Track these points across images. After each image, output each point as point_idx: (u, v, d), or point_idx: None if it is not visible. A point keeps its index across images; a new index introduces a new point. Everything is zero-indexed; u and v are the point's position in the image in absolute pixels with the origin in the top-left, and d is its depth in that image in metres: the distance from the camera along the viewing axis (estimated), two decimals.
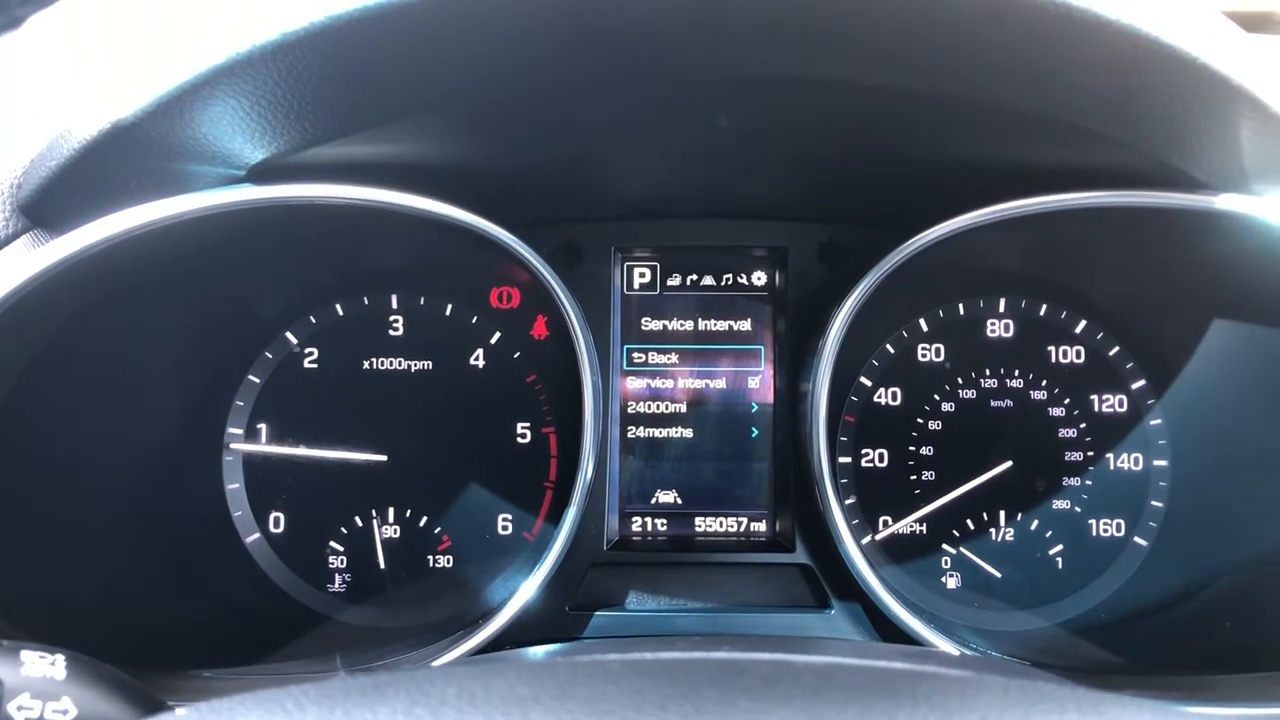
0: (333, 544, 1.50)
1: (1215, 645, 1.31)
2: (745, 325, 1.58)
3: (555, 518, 1.45)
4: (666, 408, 1.56)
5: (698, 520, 1.56)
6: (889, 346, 1.54)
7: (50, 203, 0.99)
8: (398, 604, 1.49)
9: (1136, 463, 1.51)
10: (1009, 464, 1.50)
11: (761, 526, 1.55)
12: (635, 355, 1.57)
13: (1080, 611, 1.48)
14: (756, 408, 1.57)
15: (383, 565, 1.49)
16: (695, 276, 1.58)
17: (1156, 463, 1.51)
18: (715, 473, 1.56)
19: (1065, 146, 1.11)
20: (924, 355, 1.54)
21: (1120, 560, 1.50)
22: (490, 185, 1.33)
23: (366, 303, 1.53)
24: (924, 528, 1.52)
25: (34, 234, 1.01)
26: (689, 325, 1.58)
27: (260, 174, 1.10)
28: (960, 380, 1.53)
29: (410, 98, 1.00)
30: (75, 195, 0.99)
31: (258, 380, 1.51)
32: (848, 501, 1.51)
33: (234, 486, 1.50)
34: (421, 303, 1.53)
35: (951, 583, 1.52)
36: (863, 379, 1.54)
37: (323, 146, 1.04)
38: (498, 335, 1.53)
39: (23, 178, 0.99)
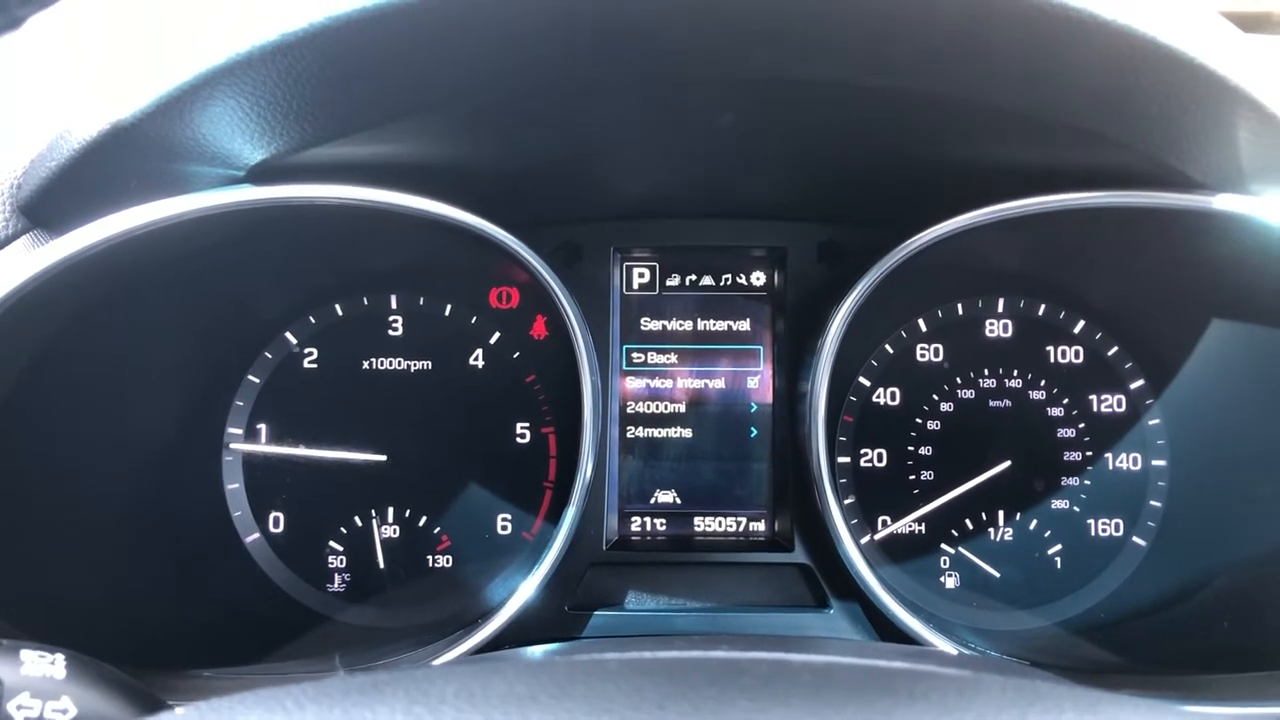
0: (332, 544, 1.50)
1: (1213, 645, 1.31)
2: (744, 325, 1.58)
3: (554, 517, 1.45)
4: (666, 408, 1.57)
5: (697, 520, 1.56)
6: (888, 346, 1.54)
7: (50, 203, 1.00)
8: (397, 604, 1.49)
9: (1135, 462, 1.52)
10: (1008, 464, 1.51)
11: (760, 526, 1.55)
12: (634, 355, 1.57)
13: (1079, 611, 1.48)
14: (755, 408, 1.57)
15: (382, 565, 1.49)
16: (694, 276, 1.58)
17: (1155, 462, 1.51)
18: (714, 472, 1.57)
19: (1063, 147, 1.11)
20: (923, 355, 1.54)
21: (1119, 560, 1.50)
22: (489, 185, 1.33)
23: (366, 303, 1.53)
24: (923, 527, 1.52)
25: (34, 234, 1.02)
26: (688, 325, 1.58)
27: (260, 174, 1.10)
28: (959, 380, 1.53)
29: (410, 98, 1.00)
30: (75, 196, 1.00)
31: (257, 380, 1.51)
32: (846, 501, 1.52)
33: (234, 486, 1.50)
34: (421, 303, 1.53)
35: (950, 582, 1.52)
36: (862, 379, 1.54)
37: (322, 147, 1.04)
38: (497, 335, 1.53)
39: (23, 178, 0.99)
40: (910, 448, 1.53)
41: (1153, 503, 1.50)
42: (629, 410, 1.56)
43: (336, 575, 1.50)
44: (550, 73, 0.99)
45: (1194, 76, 0.87)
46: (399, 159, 1.19)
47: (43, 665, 0.72)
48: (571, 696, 0.54)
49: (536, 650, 1.16)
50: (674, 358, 1.57)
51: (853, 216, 1.52)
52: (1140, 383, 1.52)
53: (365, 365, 1.52)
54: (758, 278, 1.58)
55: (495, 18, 0.86)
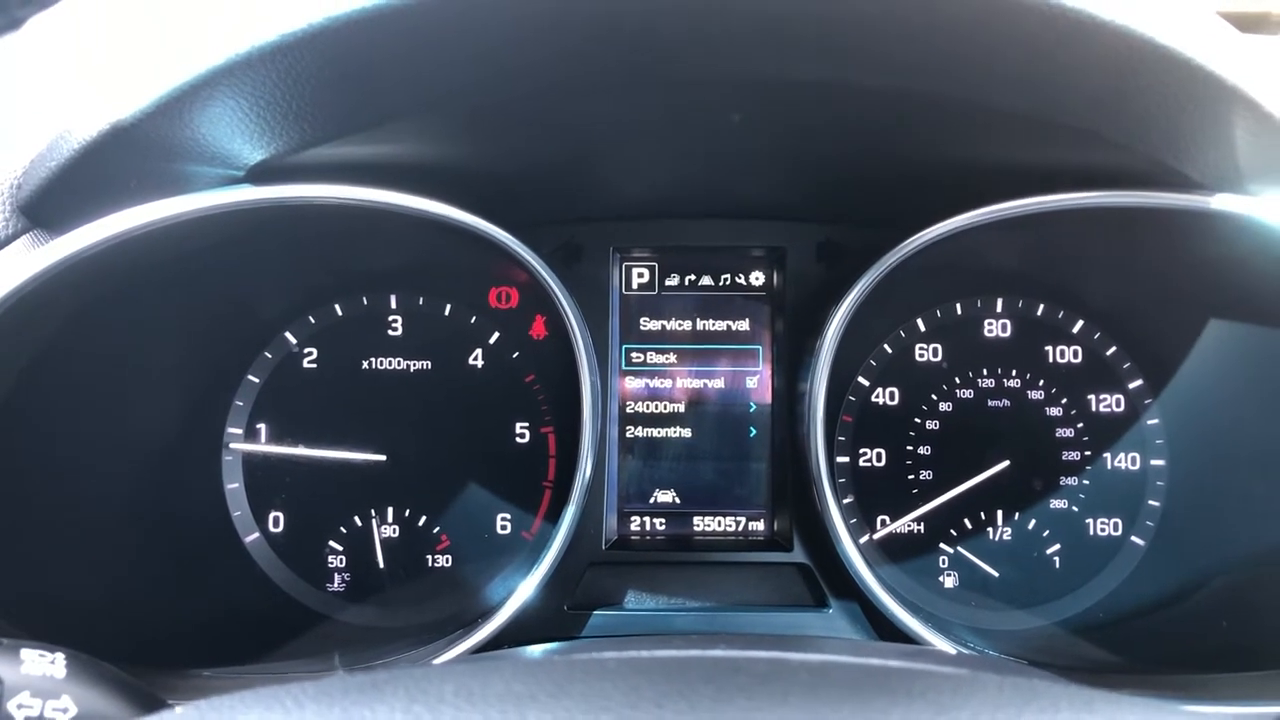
0: (332, 543, 1.50)
1: (1211, 644, 1.31)
2: (743, 325, 1.58)
3: (554, 517, 1.45)
4: (665, 407, 1.57)
5: (696, 520, 1.56)
6: (887, 346, 1.54)
7: (50, 203, 1.00)
8: (397, 603, 1.49)
9: (1134, 462, 1.52)
10: (1006, 463, 1.51)
11: (760, 526, 1.56)
12: (634, 355, 1.57)
13: (1077, 611, 1.49)
14: (755, 407, 1.57)
15: (382, 565, 1.49)
16: (694, 276, 1.58)
17: (1153, 462, 1.51)
18: (713, 472, 1.57)
19: (1061, 147, 1.12)
20: (922, 355, 1.54)
21: (1117, 560, 1.50)
22: (489, 186, 1.33)
23: (365, 303, 1.53)
24: (921, 527, 1.52)
25: (34, 234, 1.02)
26: (687, 325, 1.58)
27: (259, 174, 1.11)
28: (958, 380, 1.54)
29: (409, 99, 1.00)
30: (75, 196, 1.00)
31: (257, 380, 1.51)
32: (845, 501, 1.52)
33: (233, 486, 1.50)
34: (420, 303, 1.53)
35: (949, 582, 1.52)
36: (860, 379, 1.54)
37: (322, 147, 1.04)
38: (496, 335, 1.53)
39: (23, 178, 0.99)
40: (909, 447, 1.53)
41: (1151, 502, 1.50)
42: (628, 410, 1.56)
43: (336, 575, 1.51)
44: (549, 73, 0.99)
45: (1192, 77, 0.87)
46: (398, 159, 1.19)
47: (43, 664, 0.72)
48: (570, 695, 0.54)
49: (535, 649, 1.16)
50: (673, 357, 1.57)
51: (852, 216, 1.53)
52: (1139, 382, 1.52)
53: (365, 365, 1.52)
54: (757, 278, 1.58)
55: (494, 19, 0.86)
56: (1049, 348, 1.54)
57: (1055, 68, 0.91)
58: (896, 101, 1.05)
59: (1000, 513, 1.52)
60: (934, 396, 1.53)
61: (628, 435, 1.56)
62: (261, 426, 1.51)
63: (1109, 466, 1.52)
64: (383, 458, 1.51)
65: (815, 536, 1.46)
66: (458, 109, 1.06)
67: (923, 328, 1.55)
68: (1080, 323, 1.54)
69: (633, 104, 1.11)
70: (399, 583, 1.50)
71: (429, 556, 1.51)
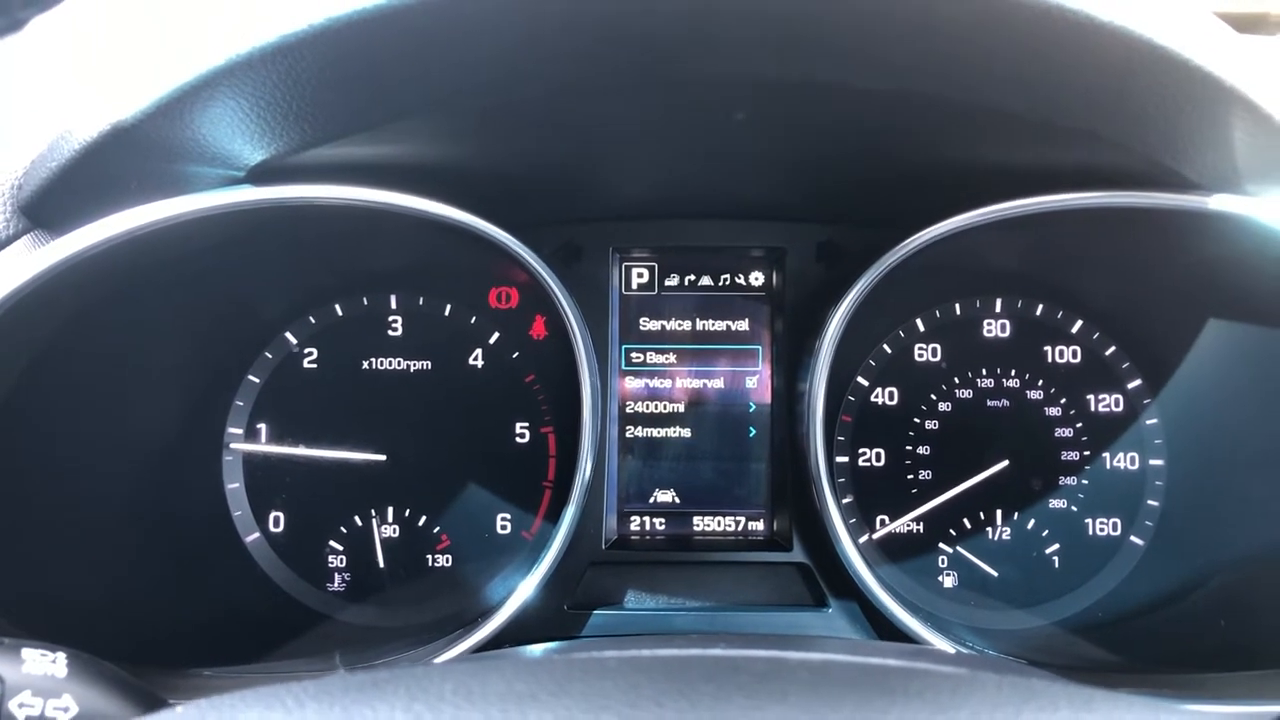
0: (332, 543, 1.51)
1: (1210, 644, 1.31)
2: (743, 325, 1.58)
3: (554, 517, 1.45)
4: (665, 407, 1.57)
5: (696, 519, 1.56)
6: (886, 346, 1.55)
7: (51, 203, 1.00)
8: (397, 603, 1.49)
9: (1132, 462, 1.52)
10: (1005, 463, 1.51)
11: (759, 525, 1.56)
12: (633, 355, 1.57)
13: (1076, 610, 1.49)
14: (754, 407, 1.57)
15: (382, 564, 1.49)
16: (693, 277, 1.59)
17: (1152, 462, 1.52)
18: (713, 472, 1.57)
19: (1060, 147, 1.12)
20: (921, 355, 1.55)
21: (1116, 559, 1.50)
22: (489, 186, 1.33)
23: (366, 303, 1.53)
24: (921, 527, 1.53)
25: (35, 235, 1.02)
26: (687, 325, 1.58)
27: (260, 175, 1.11)
28: (957, 380, 1.54)
29: (409, 100, 1.00)
30: (76, 196, 1.00)
31: (257, 380, 1.51)
32: (845, 501, 1.52)
33: (234, 486, 1.50)
34: (420, 303, 1.54)
35: (948, 581, 1.52)
36: (860, 379, 1.54)
37: (322, 148, 1.04)
38: (496, 335, 1.53)
39: (23, 178, 0.99)
40: (908, 447, 1.53)
41: (1150, 502, 1.51)
42: (628, 410, 1.57)
43: (336, 574, 1.51)
44: (549, 75, 0.99)
45: (1189, 77, 0.87)
46: (399, 159, 1.19)
47: (44, 664, 0.72)
48: (570, 694, 0.54)
49: (535, 649, 1.17)
50: (673, 358, 1.58)
51: (851, 217, 1.53)
52: (1138, 382, 1.53)
53: (365, 365, 1.52)
54: (756, 278, 1.59)
55: (495, 21, 0.86)
56: (1048, 348, 1.54)
57: (1053, 68, 0.91)
58: (895, 102, 1.05)
59: (999, 512, 1.52)
60: (933, 396, 1.54)
61: (627, 435, 1.56)
62: (262, 426, 1.51)
63: (1108, 466, 1.52)
64: (383, 458, 1.51)
65: (814, 536, 1.46)
66: (458, 110, 1.07)
67: (922, 328, 1.55)
68: (1079, 323, 1.54)
69: (635, 104, 1.12)
70: (399, 582, 1.51)
71: (429, 556, 1.51)
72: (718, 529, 1.56)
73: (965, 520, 1.52)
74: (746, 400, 1.57)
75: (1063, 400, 1.53)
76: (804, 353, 1.47)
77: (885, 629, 1.37)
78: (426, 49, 0.90)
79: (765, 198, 1.52)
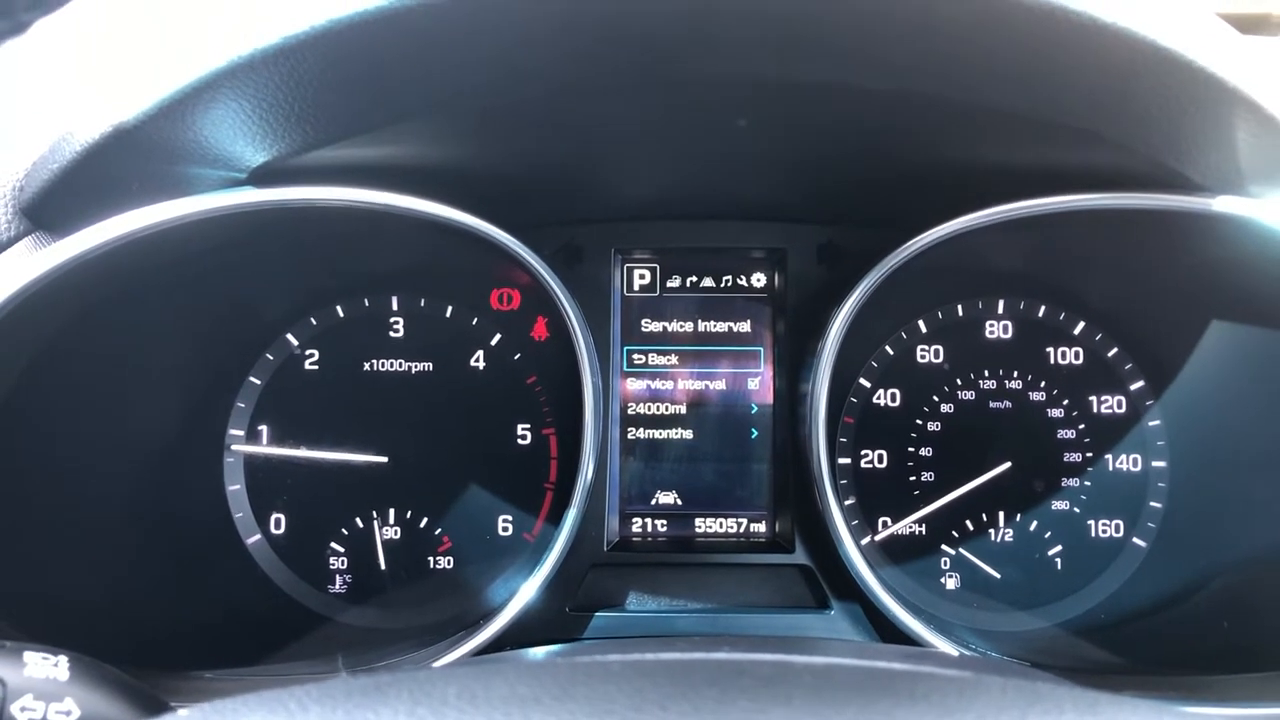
0: (333, 545, 1.50)
1: (1213, 646, 1.31)
2: (745, 327, 1.58)
3: (555, 519, 1.45)
4: (666, 409, 1.57)
5: (698, 521, 1.56)
6: (888, 348, 1.54)
7: (52, 205, 1.00)
8: (398, 605, 1.49)
9: (1135, 463, 1.52)
10: (1008, 465, 1.51)
11: (761, 527, 1.56)
12: (635, 356, 1.57)
13: (1079, 612, 1.49)
14: (756, 409, 1.57)
15: (383, 566, 1.49)
16: (695, 278, 1.59)
17: (1155, 463, 1.51)
18: (715, 474, 1.57)
19: (1063, 149, 1.12)
20: (923, 356, 1.54)
21: (1119, 561, 1.50)
22: (491, 187, 1.33)
23: (367, 305, 1.53)
24: (923, 528, 1.52)
25: (36, 236, 1.02)
26: (689, 327, 1.58)
27: (262, 177, 1.11)
28: (959, 381, 1.54)
29: (411, 102, 1.00)
30: (77, 198, 1.00)
31: (259, 382, 1.51)
32: (847, 502, 1.52)
33: (235, 488, 1.50)
34: (422, 304, 1.54)
35: (951, 583, 1.52)
36: (862, 380, 1.54)
37: (324, 149, 1.04)
38: (498, 337, 1.53)
39: (25, 180, 0.99)
40: (911, 449, 1.53)
41: (1153, 504, 1.50)
42: (630, 412, 1.56)
43: (338, 576, 1.51)
44: (550, 75, 0.99)
45: (1193, 78, 0.87)
46: (400, 161, 1.19)
47: (46, 667, 0.72)
48: (574, 698, 0.54)
49: (538, 651, 1.16)
50: (675, 359, 1.57)
51: (852, 218, 1.53)
52: (1140, 384, 1.52)
53: (366, 367, 1.52)
54: (758, 279, 1.59)
55: (495, 21, 0.86)
56: (1050, 349, 1.54)
57: (1056, 69, 0.91)
58: (897, 103, 1.05)
59: (1002, 514, 1.52)
60: (935, 398, 1.53)
61: (629, 437, 1.56)
62: (263, 428, 1.51)
63: (1110, 468, 1.52)
64: (384, 459, 1.51)
65: (817, 538, 1.46)
66: (460, 111, 1.07)
67: (924, 329, 1.55)
68: (1082, 324, 1.54)
69: (636, 105, 1.12)
70: (400, 584, 1.50)
71: (430, 558, 1.51)
72: (720, 531, 1.56)
73: (968, 522, 1.52)
74: (748, 402, 1.57)
75: (1065, 402, 1.52)
76: (806, 354, 1.47)
77: (887, 631, 1.37)
78: (428, 50, 0.90)
79: (766, 198, 1.52)
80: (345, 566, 1.50)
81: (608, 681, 0.57)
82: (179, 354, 1.40)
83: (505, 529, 1.51)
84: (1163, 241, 1.26)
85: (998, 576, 1.51)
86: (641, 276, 1.58)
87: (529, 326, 1.53)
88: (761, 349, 1.58)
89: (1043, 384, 1.53)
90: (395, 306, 1.53)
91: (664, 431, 1.56)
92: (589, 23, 0.89)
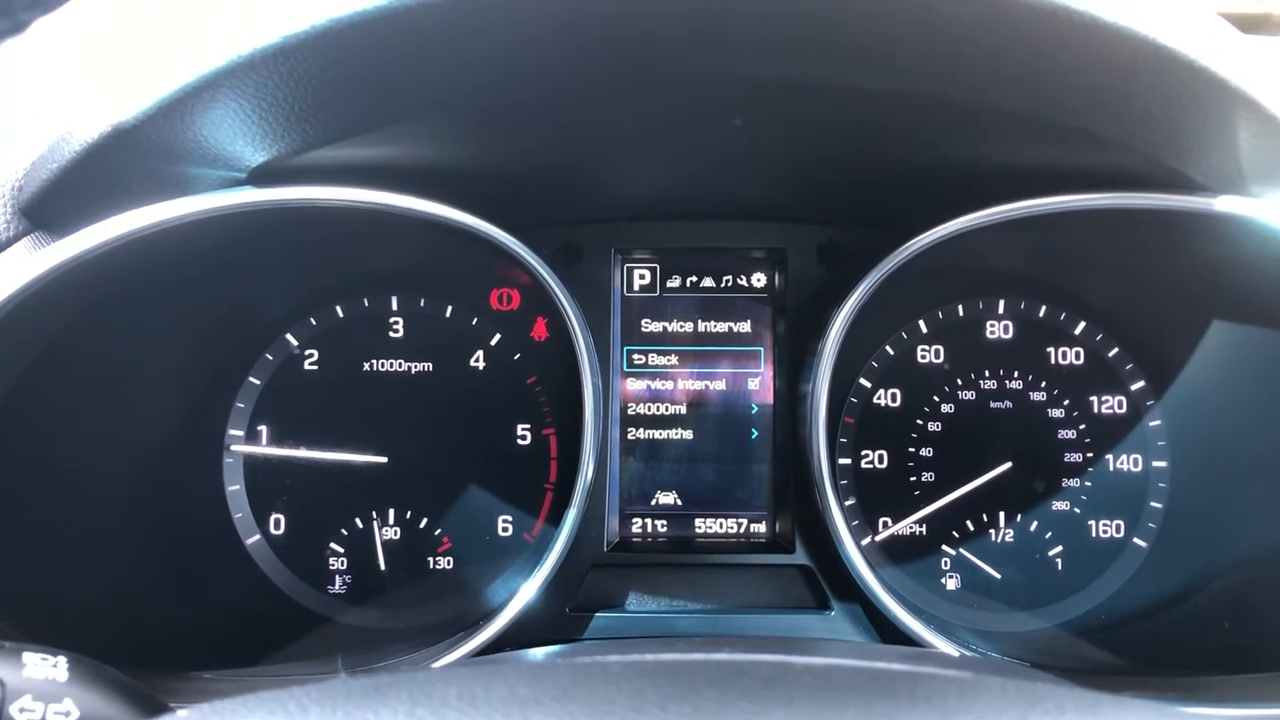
0: (333, 546, 1.50)
1: (1214, 646, 1.31)
2: (745, 327, 1.58)
3: (555, 519, 1.45)
4: (666, 409, 1.57)
5: (698, 521, 1.56)
6: (888, 348, 1.54)
7: (51, 205, 1.00)
8: (398, 605, 1.49)
9: (1136, 464, 1.52)
10: (1008, 465, 1.51)
11: (761, 528, 1.56)
12: (635, 357, 1.57)
13: (1080, 612, 1.48)
14: (756, 409, 1.57)
15: (383, 567, 1.49)
16: (695, 278, 1.58)
17: (1156, 464, 1.51)
18: (715, 474, 1.57)
19: (1063, 148, 1.12)
20: (923, 357, 1.54)
21: (1119, 561, 1.50)
22: (491, 187, 1.33)
23: (367, 305, 1.53)
24: (924, 529, 1.52)
25: (35, 236, 1.02)
26: (689, 327, 1.58)
27: (261, 176, 1.11)
28: (960, 382, 1.54)
29: (411, 101, 1.00)
30: (76, 198, 1.00)
31: (258, 382, 1.51)
32: (847, 503, 1.52)
33: (234, 488, 1.50)
34: (421, 305, 1.53)
35: (951, 584, 1.52)
36: (862, 380, 1.54)
37: (324, 149, 1.04)
38: (498, 337, 1.53)
39: (24, 180, 0.99)
40: (911, 449, 1.53)
41: (1153, 504, 1.50)
42: (630, 412, 1.56)
43: (337, 577, 1.50)
44: (550, 75, 0.99)
45: (1194, 78, 0.87)
46: (400, 161, 1.19)
47: (45, 668, 0.72)
48: (574, 699, 0.54)
49: (538, 652, 1.16)
50: (675, 359, 1.57)
51: (852, 218, 1.53)
52: (1141, 384, 1.52)
53: (366, 367, 1.52)
54: (758, 279, 1.58)
55: (495, 21, 0.86)
56: (1051, 349, 1.54)
57: (1057, 69, 0.91)
58: (898, 103, 1.05)
59: (1002, 514, 1.52)
60: (936, 398, 1.53)
61: (629, 437, 1.56)
62: (262, 428, 1.51)
63: (1111, 468, 1.52)
64: (384, 460, 1.50)
65: (817, 538, 1.46)
66: (460, 111, 1.06)
67: (924, 329, 1.55)
68: (1082, 324, 1.54)
69: (636, 104, 1.11)
70: (400, 585, 1.50)
71: (430, 558, 1.51)
72: (720, 531, 1.56)
73: (968, 522, 1.52)
74: (749, 402, 1.57)
75: (1066, 402, 1.52)
76: (806, 354, 1.47)
77: (888, 631, 1.37)
78: (427, 50, 0.89)
79: (767, 198, 1.52)
80: (345, 567, 1.50)
81: (608, 682, 0.57)
82: (178, 354, 1.40)
83: (505, 529, 1.51)
84: (1163, 241, 1.26)
85: (998, 577, 1.51)
86: (641, 276, 1.58)
87: (529, 326, 1.53)
88: (761, 349, 1.58)
89: (1043, 384, 1.53)
90: (395, 306, 1.53)
91: (664, 432, 1.56)
92: (589, 22, 0.88)
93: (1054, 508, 1.51)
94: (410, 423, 1.51)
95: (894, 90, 1.00)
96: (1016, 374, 1.53)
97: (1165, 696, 1.10)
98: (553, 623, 1.41)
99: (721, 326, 1.58)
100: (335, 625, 1.47)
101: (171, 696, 0.95)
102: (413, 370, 1.52)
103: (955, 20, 0.85)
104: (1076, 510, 1.51)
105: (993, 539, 1.52)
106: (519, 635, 1.31)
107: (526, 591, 1.32)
